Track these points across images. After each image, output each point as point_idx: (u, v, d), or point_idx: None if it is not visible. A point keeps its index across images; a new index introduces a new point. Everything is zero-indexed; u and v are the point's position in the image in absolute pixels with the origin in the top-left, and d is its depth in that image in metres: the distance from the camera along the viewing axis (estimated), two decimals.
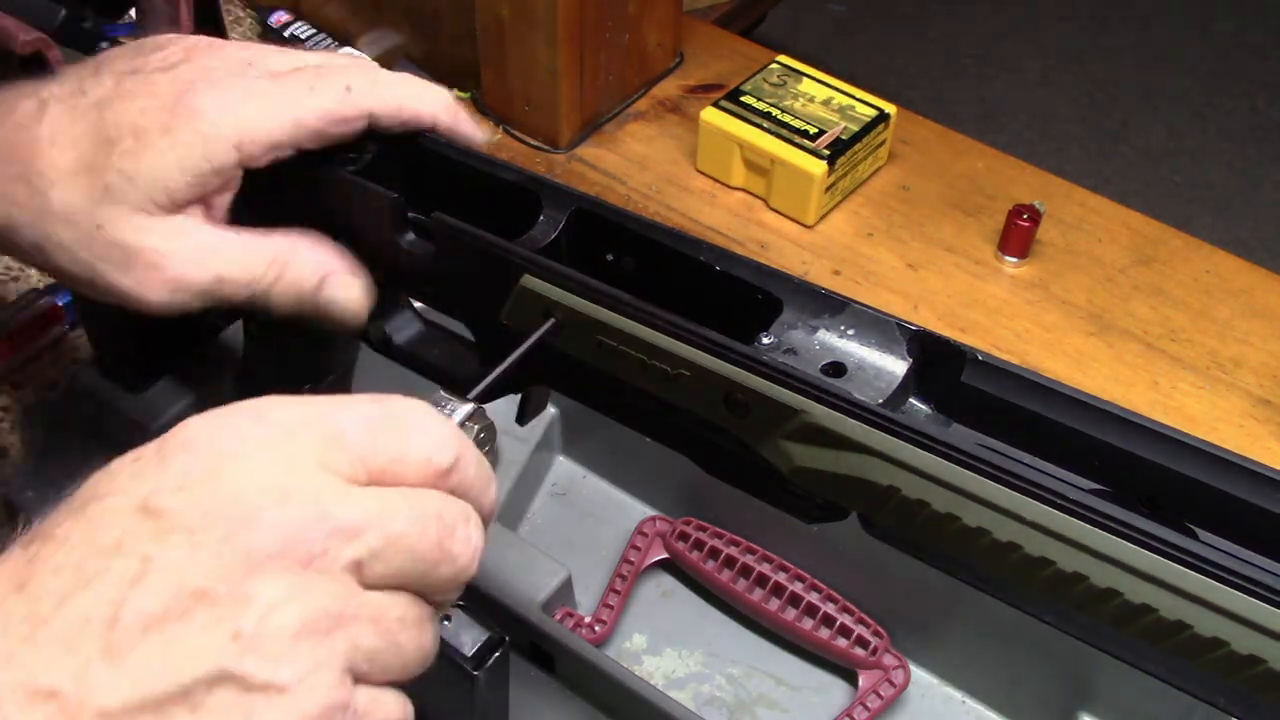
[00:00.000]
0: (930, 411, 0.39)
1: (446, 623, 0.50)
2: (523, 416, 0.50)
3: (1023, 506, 0.34)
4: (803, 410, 0.38)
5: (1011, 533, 0.35)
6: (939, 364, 0.39)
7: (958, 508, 0.35)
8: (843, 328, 0.40)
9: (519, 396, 0.50)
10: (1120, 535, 0.33)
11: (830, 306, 0.40)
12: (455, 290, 0.47)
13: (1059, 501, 0.34)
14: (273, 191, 0.49)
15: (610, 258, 0.46)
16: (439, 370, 0.51)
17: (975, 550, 0.36)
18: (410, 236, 0.48)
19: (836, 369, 0.39)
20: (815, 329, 0.40)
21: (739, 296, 0.42)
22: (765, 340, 0.40)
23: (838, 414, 0.37)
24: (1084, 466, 0.37)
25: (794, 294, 0.41)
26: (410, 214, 0.48)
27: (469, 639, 0.50)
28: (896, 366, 0.39)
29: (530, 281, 0.43)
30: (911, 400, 0.39)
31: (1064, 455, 0.37)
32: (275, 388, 0.60)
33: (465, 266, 0.46)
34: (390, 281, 0.50)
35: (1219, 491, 0.34)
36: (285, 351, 0.58)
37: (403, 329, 0.52)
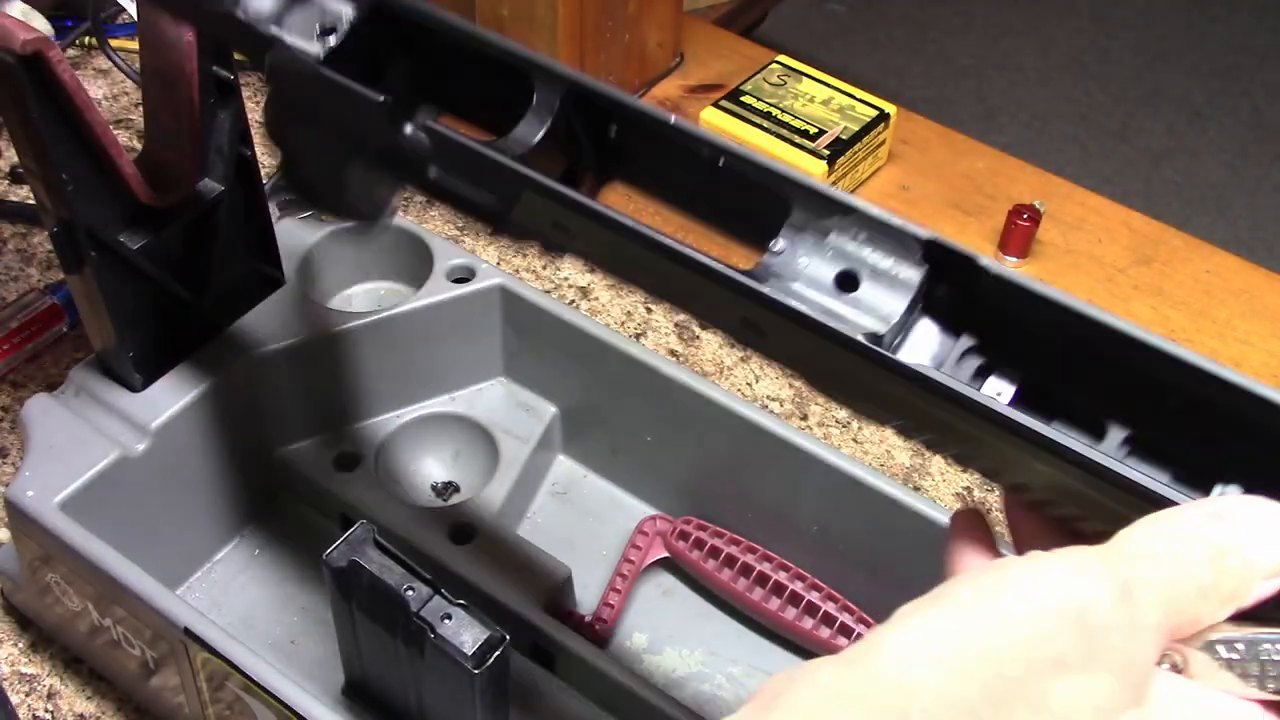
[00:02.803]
0: (938, 330, 0.40)
1: (447, 621, 0.50)
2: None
3: (1037, 454, 0.35)
4: (813, 345, 0.38)
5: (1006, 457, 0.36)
6: (951, 273, 0.39)
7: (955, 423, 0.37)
8: (854, 230, 0.39)
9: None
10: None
11: (839, 209, 0.40)
12: (460, 191, 0.46)
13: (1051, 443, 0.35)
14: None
15: (613, 135, 0.45)
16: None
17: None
18: (408, 130, 0.45)
19: (850, 282, 0.39)
20: (826, 231, 0.40)
21: (747, 193, 0.42)
22: (776, 248, 0.40)
23: (844, 351, 0.38)
24: (1097, 386, 0.37)
25: (802, 195, 0.40)
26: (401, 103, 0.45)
27: (469, 639, 0.50)
28: (910, 275, 0.39)
29: (532, 198, 0.43)
30: (924, 318, 0.39)
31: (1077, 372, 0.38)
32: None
33: (466, 173, 0.45)
34: (393, 168, 0.47)
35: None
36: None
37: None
